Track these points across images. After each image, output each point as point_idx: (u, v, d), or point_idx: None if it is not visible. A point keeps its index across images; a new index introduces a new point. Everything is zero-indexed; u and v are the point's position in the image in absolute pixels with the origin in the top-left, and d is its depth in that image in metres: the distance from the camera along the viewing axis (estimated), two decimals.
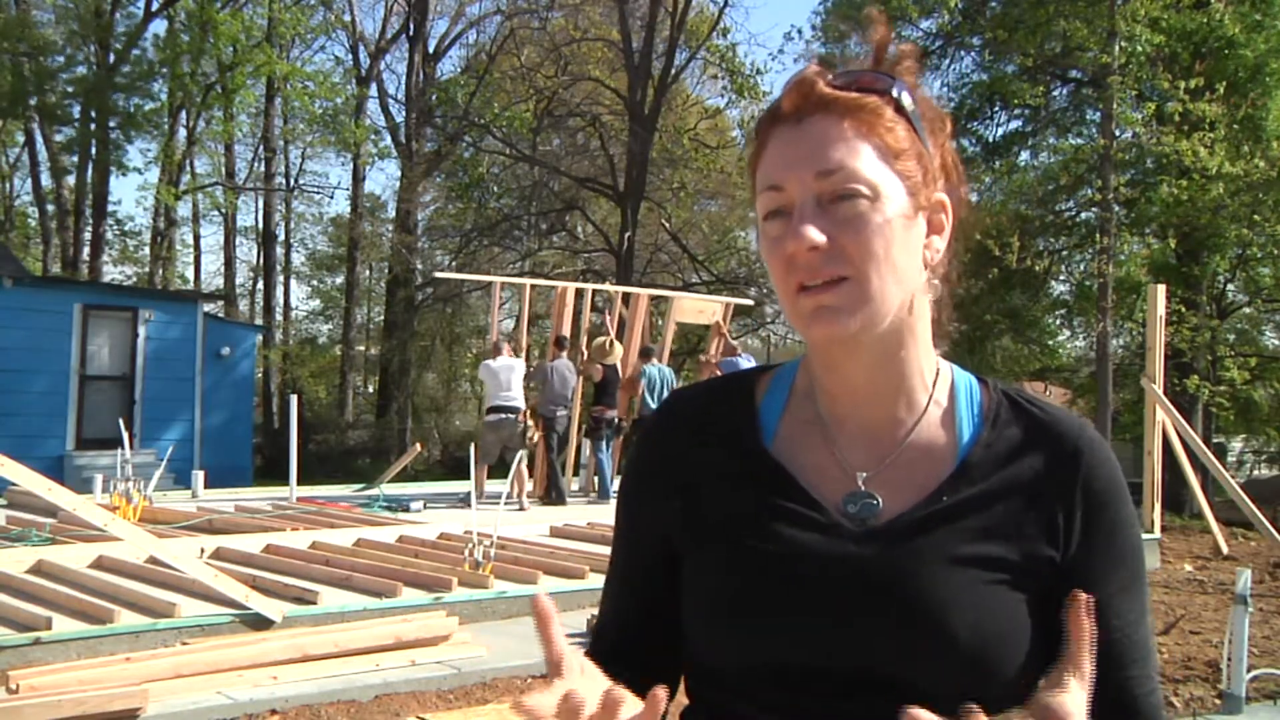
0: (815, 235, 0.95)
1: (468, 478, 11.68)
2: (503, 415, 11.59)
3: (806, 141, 0.98)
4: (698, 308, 14.37)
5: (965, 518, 1.01)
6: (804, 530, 1.02)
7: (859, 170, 0.97)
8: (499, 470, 12.72)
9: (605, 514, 10.28)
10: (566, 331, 12.49)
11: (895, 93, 1.01)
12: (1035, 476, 1.03)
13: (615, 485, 12.66)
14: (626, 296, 13.89)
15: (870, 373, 1.04)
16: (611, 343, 12.78)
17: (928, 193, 1.02)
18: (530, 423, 11.65)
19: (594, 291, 14.14)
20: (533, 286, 14.00)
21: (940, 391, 1.07)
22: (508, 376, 11.59)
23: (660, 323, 14.91)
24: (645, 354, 12.91)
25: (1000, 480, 1.03)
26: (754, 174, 1.04)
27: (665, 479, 1.10)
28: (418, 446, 15.30)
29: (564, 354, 12.09)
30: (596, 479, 12.54)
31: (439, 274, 20.79)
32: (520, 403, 11.64)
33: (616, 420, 12.61)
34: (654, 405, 12.34)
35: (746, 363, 12.73)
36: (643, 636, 1.13)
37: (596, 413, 12.49)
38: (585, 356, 12.78)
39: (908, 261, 1.00)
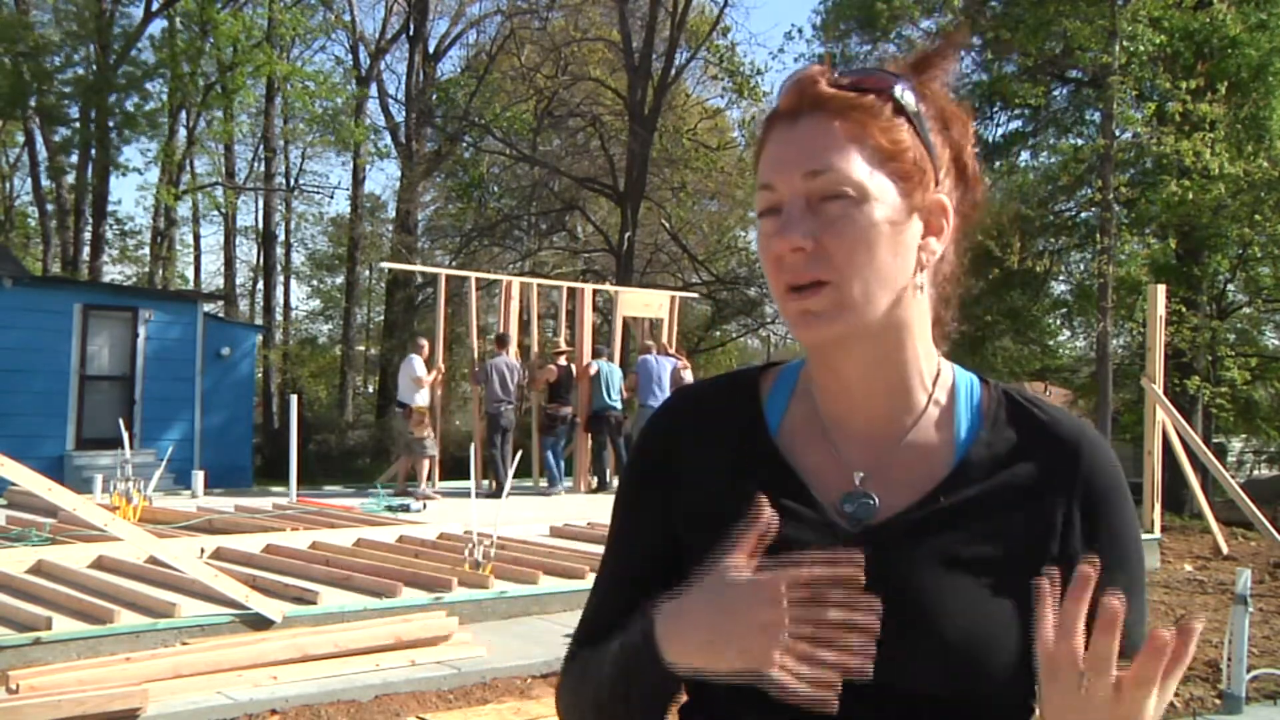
0: (798, 238, 0.96)
1: (466, 476, 12.19)
2: (396, 409, 12.65)
3: (798, 141, 0.99)
4: (643, 301, 14.59)
5: (961, 519, 1.01)
6: (800, 529, 1.01)
7: (847, 171, 0.97)
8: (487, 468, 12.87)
9: (564, 509, 10.52)
10: (515, 328, 12.98)
11: (897, 92, 1.00)
12: (1034, 477, 1.02)
13: (568, 479, 13.32)
14: (572, 292, 14.20)
15: (866, 372, 1.04)
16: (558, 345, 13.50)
17: (924, 195, 1.01)
18: (414, 418, 12.19)
19: (538, 287, 14.53)
20: (483, 281, 14.34)
21: (940, 391, 1.07)
22: (399, 374, 12.64)
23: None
24: (593, 352, 13.32)
25: (998, 481, 1.02)
26: (756, 171, 1.04)
27: (668, 473, 1.10)
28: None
29: (505, 351, 12.47)
30: (548, 474, 12.98)
31: (385, 264, 21.20)
32: (404, 399, 12.31)
33: (571, 417, 12.98)
34: (606, 400, 13.04)
35: (656, 362, 13.23)
36: None
37: (551, 410, 12.90)
38: (535, 354, 13.33)
39: (896, 264, 0.99)
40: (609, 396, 12.99)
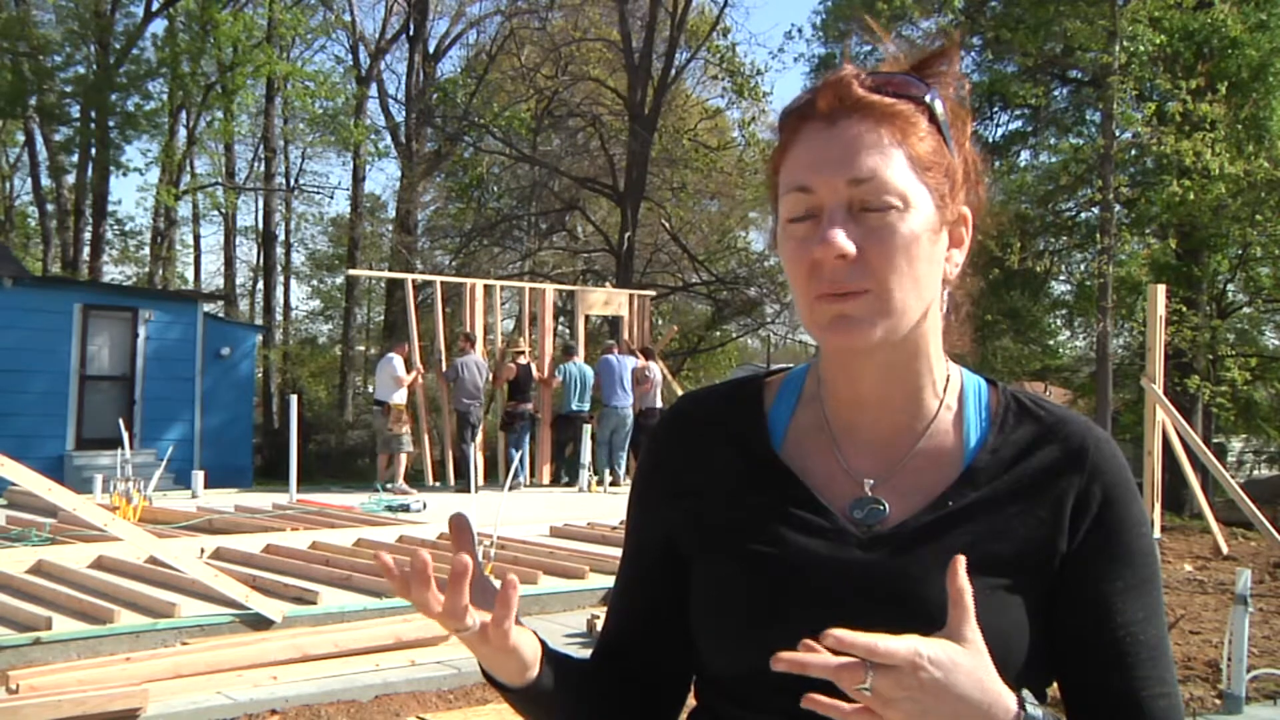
0: (845, 243, 0.94)
1: (451, 476, 12.57)
2: (374, 407, 13.09)
3: (839, 145, 0.97)
4: (603, 299, 14.90)
5: (970, 522, 1.01)
6: (810, 536, 1.02)
7: (892, 180, 0.96)
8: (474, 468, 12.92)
9: (564, 509, 10.55)
10: (481, 328, 13.44)
11: (929, 99, 1.00)
12: (1041, 477, 1.02)
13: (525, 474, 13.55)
14: (533, 293, 14.60)
15: (882, 380, 1.04)
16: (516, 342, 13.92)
17: (953, 206, 1.01)
18: (393, 415, 12.60)
19: (501, 288, 14.93)
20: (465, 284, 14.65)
21: (950, 396, 1.07)
22: (378, 372, 13.12)
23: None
24: (567, 351, 13.53)
25: (1006, 483, 1.02)
26: (776, 170, 1.02)
27: (672, 483, 1.10)
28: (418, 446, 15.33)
29: (473, 350, 12.89)
30: (515, 470, 13.20)
31: (351, 272, 21.65)
32: (382, 396, 12.78)
33: (531, 414, 13.36)
34: (574, 404, 13.39)
35: (617, 361, 13.57)
36: (648, 637, 1.13)
37: (510, 408, 13.25)
38: (499, 354, 13.67)
39: (929, 275, 0.99)
40: (575, 400, 13.27)
